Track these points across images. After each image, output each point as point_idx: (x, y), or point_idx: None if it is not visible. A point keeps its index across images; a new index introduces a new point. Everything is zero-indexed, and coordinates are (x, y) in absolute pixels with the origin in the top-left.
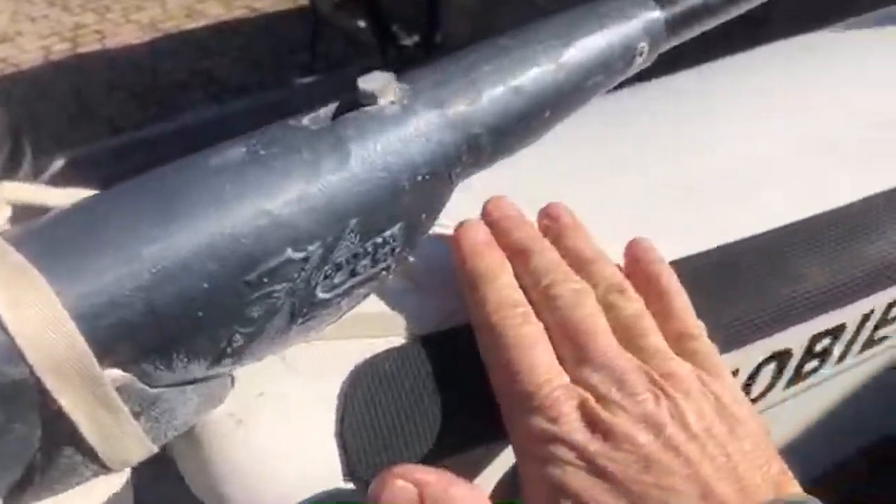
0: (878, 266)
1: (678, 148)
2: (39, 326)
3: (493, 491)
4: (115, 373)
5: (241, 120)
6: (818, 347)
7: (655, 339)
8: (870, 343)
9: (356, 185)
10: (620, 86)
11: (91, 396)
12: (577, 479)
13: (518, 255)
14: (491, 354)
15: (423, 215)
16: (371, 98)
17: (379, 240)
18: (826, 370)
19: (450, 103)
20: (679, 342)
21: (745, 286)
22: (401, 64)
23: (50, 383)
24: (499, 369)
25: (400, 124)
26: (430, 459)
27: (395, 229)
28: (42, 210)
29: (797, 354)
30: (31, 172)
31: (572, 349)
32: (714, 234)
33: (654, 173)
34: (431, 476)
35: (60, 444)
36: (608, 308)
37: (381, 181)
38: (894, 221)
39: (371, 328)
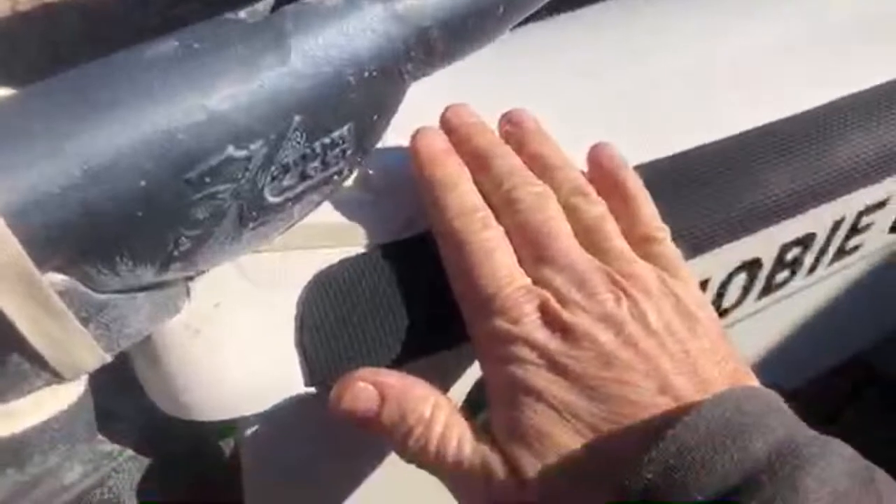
0: (844, 170)
1: (636, 56)
2: None
3: (458, 396)
4: (56, 277)
5: None
6: (789, 257)
7: (618, 241)
8: (841, 253)
9: (298, 81)
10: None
11: (31, 300)
12: (539, 377)
13: (478, 161)
14: (452, 260)
15: (375, 116)
16: None
17: (327, 140)
18: (798, 281)
19: None
20: (642, 245)
21: (710, 192)
22: None
23: None
24: (460, 274)
25: (343, 17)
26: (390, 365)
27: (344, 130)
28: None
29: (767, 264)
30: None
31: (533, 251)
32: (676, 140)
33: (613, 81)
34: (392, 378)
35: (6, 351)
36: (571, 211)
37: (325, 77)
38: (858, 126)
39: (329, 238)
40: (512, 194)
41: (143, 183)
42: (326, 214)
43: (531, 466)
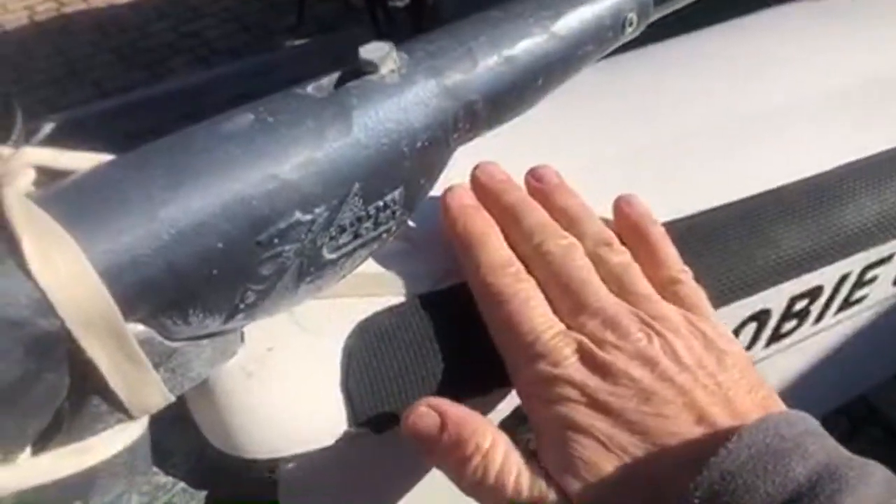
0: (853, 232)
1: (656, 115)
2: (69, 281)
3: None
4: (138, 327)
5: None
6: (796, 307)
7: (644, 285)
8: (846, 304)
9: (359, 151)
10: (610, 55)
11: (117, 349)
12: (583, 414)
13: (508, 217)
14: (490, 312)
15: (423, 180)
16: (372, 67)
17: (381, 203)
18: (804, 329)
19: (447, 72)
20: (666, 287)
21: (725, 250)
22: (390, 27)
23: (79, 336)
24: (499, 325)
25: (400, 92)
26: None
27: (396, 193)
28: (62, 174)
29: (776, 315)
30: (21, 137)
31: (566, 299)
32: (694, 199)
33: (636, 140)
34: (453, 408)
35: (88, 394)
36: (597, 261)
37: (383, 147)
38: (867, 189)
39: (372, 287)
40: (542, 247)
41: (220, 245)
42: (369, 264)
43: (583, 497)
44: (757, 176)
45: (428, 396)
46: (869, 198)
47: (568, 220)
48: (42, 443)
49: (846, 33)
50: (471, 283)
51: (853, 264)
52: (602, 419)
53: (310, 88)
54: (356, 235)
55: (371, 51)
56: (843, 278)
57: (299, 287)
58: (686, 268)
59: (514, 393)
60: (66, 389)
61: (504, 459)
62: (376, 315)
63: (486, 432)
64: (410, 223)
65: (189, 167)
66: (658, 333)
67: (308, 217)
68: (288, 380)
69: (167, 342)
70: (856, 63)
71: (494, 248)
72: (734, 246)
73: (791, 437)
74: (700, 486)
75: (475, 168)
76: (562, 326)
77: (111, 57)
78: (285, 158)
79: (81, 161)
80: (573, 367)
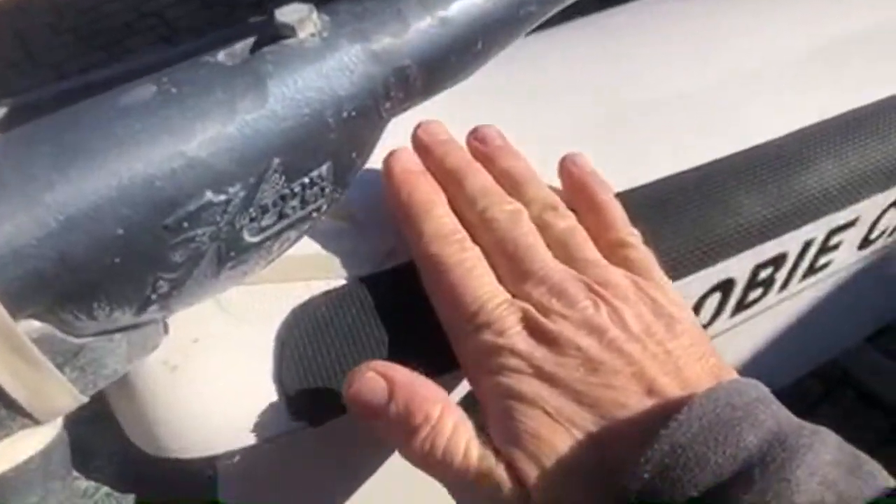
0: (814, 196)
1: (610, 83)
2: None
3: None
4: (32, 324)
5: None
6: (761, 276)
7: (590, 251)
8: (812, 270)
9: (276, 124)
10: (552, 23)
11: (7, 350)
12: (528, 385)
13: (451, 181)
14: (433, 282)
15: (353, 153)
16: (289, 30)
17: (306, 180)
18: (770, 298)
19: (374, 35)
20: (614, 251)
21: (685, 219)
22: None
23: None
24: (442, 295)
25: (322, 58)
26: None
27: (324, 169)
28: None
29: (740, 284)
30: None
31: (511, 267)
32: (650, 168)
33: (586, 108)
34: (403, 374)
35: None
36: (542, 226)
37: (303, 119)
38: (827, 153)
39: (307, 270)
40: (486, 214)
41: (120, 231)
42: (304, 246)
43: (531, 471)
44: (714, 143)
45: (375, 361)
46: (830, 161)
47: (512, 184)
48: None
49: None
50: (414, 254)
51: (817, 230)
52: (548, 390)
53: (220, 56)
54: (281, 216)
55: (288, 13)
56: (808, 244)
57: (220, 273)
58: (635, 231)
59: (465, 380)
60: None
61: (453, 431)
62: (312, 300)
63: (437, 400)
64: (347, 199)
65: (81, 145)
66: (605, 301)
67: (221, 197)
68: (216, 373)
69: (70, 339)
70: (812, 24)
71: (439, 215)
72: (692, 214)
73: (741, 406)
74: (650, 460)
75: (417, 127)
76: (507, 296)
77: (69, 38)
78: (192, 134)
79: None
80: (518, 337)
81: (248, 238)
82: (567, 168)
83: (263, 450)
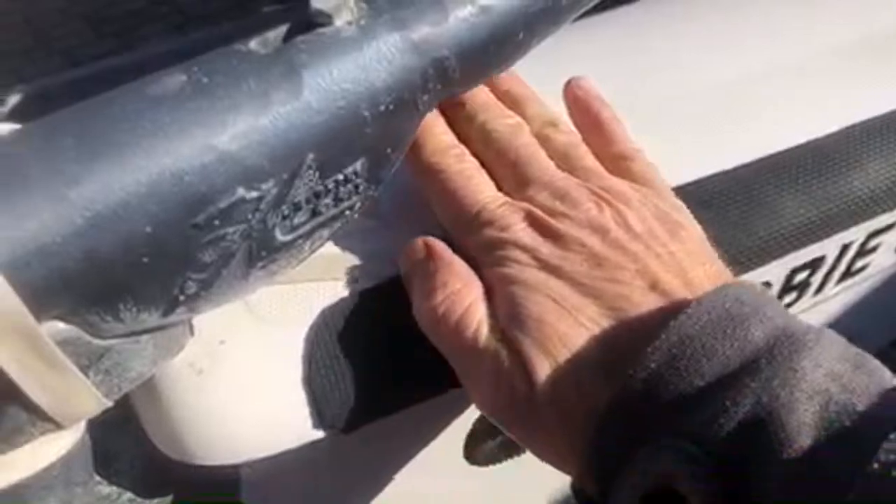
0: (857, 199)
1: (649, 79)
2: None
3: (472, 426)
4: (57, 325)
5: (206, 50)
6: (797, 279)
7: (591, 161)
8: (848, 274)
9: (311, 117)
10: (594, 11)
11: (28, 352)
12: (533, 275)
13: (450, 102)
14: (434, 191)
15: (388, 149)
16: (325, 18)
17: (340, 177)
18: (804, 302)
19: (413, 24)
20: (617, 163)
21: (725, 221)
22: None
23: None
24: (444, 201)
25: (359, 48)
26: (404, 404)
27: (358, 165)
28: None
29: (775, 288)
30: None
31: (513, 176)
32: (691, 167)
33: (626, 104)
34: (442, 248)
35: (4, 404)
36: (543, 140)
37: (339, 112)
38: (871, 153)
39: (337, 270)
40: (487, 126)
41: (148, 229)
42: (333, 245)
43: (536, 357)
44: (757, 141)
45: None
46: (877, 161)
47: (513, 102)
48: None
49: None
50: (414, 170)
51: (857, 233)
52: (554, 280)
53: (253, 44)
54: (314, 213)
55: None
56: (846, 247)
57: (250, 274)
58: (637, 146)
59: None
60: None
61: (470, 305)
62: (342, 301)
63: (463, 277)
64: (378, 198)
65: (107, 138)
66: (609, 203)
67: (254, 194)
68: (243, 377)
69: (96, 341)
70: (858, 17)
71: (439, 132)
72: (733, 216)
73: (750, 303)
74: (658, 349)
75: None
76: (508, 199)
77: (80, 25)
78: (223, 126)
79: None
80: (523, 233)
81: (280, 237)
82: (572, 91)
83: (290, 454)
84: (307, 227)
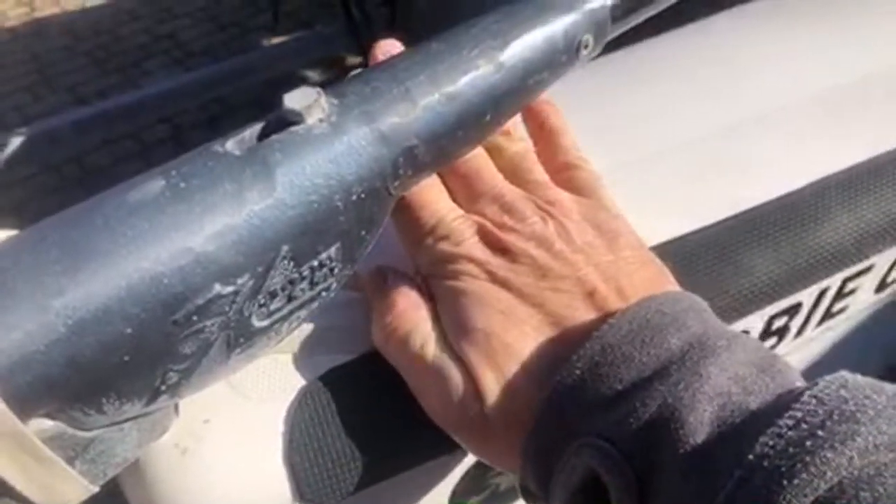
0: (827, 253)
1: (616, 138)
2: None
3: (454, 488)
4: (44, 423)
5: (207, 87)
6: (776, 325)
7: (538, 173)
8: (828, 316)
9: (284, 212)
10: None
11: (18, 451)
12: (484, 287)
13: None
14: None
15: (363, 231)
16: (298, 116)
17: (315, 263)
18: (785, 345)
19: (381, 117)
20: (563, 172)
21: (695, 282)
22: (367, 23)
23: None
24: (401, 212)
25: (329, 143)
26: (383, 476)
27: (332, 250)
28: None
29: (754, 334)
30: None
31: (465, 188)
32: (659, 228)
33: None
34: (396, 275)
35: None
36: (495, 150)
37: (312, 205)
38: (843, 206)
39: (317, 345)
40: None
41: (129, 330)
42: (314, 318)
43: (483, 367)
44: (725, 198)
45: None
46: (846, 214)
47: None
48: None
49: (807, 37)
50: None
51: (832, 280)
52: (503, 292)
53: (229, 144)
54: (290, 299)
55: (296, 99)
56: (822, 293)
57: (230, 358)
58: (583, 155)
59: (471, 456)
60: None
61: (415, 325)
62: (322, 377)
63: (410, 299)
64: (359, 269)
65: (89, 247)
66: (552, 216)
67: (230, 289)
68: (227, 455)
69: (81, 433)
70: (822, 70)
71: None
72: (704, 276)
73: (671, 313)
74: (582, 357)
75: (374, 47)
76: (462, 211)
77: (85, 61)
78: (199, 228)
79: None
80: (474, 246)
81: (257, 323)
82: None
83: None
84: (283, 311)
